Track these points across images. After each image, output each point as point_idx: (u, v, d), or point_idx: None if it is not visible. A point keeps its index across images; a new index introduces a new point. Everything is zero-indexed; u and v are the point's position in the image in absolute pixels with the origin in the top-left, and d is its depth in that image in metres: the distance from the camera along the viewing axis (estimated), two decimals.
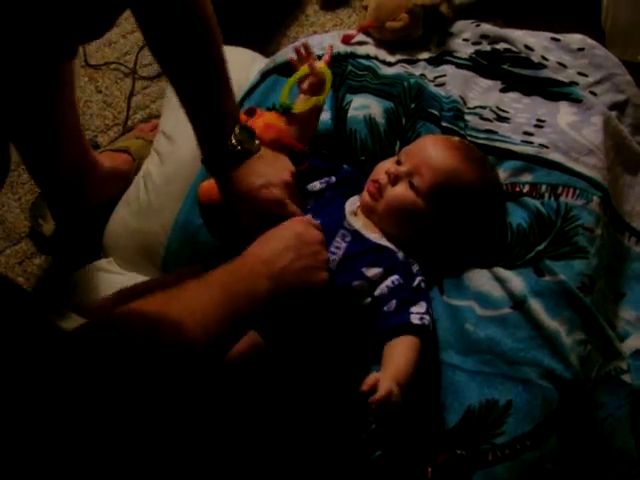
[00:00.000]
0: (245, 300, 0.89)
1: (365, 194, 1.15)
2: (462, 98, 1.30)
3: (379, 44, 1.40)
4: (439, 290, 1.16)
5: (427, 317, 1.06)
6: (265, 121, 1.11)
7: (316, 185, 1.19)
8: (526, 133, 1.24)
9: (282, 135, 1.11)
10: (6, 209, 1.45)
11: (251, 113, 1.13)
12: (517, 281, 1.12)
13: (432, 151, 1.14)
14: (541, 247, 1.15)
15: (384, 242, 1.13)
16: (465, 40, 1.40)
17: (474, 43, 1.39)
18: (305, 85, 1.19)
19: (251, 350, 1.03)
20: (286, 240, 1.00)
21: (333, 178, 1.20)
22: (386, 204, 1.12)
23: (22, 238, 1.43)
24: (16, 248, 1.42)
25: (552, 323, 1.09)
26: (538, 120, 1.25)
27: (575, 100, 1.26)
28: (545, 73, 1.30)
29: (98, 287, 1.17)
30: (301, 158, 1.16)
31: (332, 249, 1.10)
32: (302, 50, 1.19)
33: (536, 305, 1.10)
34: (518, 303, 1.11)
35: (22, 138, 1.13)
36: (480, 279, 1.14)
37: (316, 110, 1.19)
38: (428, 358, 1.08)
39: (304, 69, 1.17)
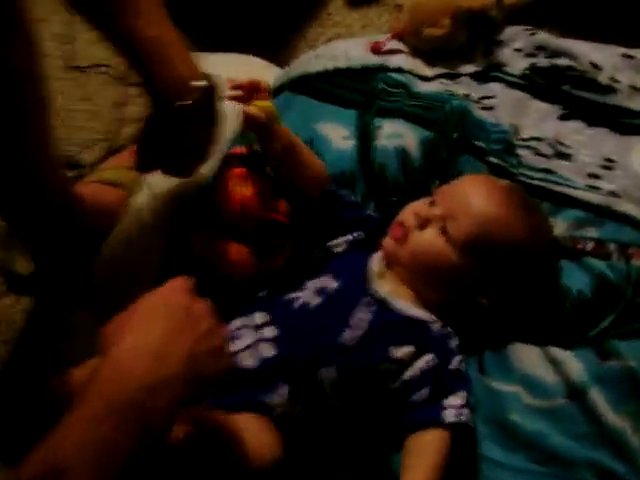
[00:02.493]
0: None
1: (388, 238, 0.96)
2: (514, 127, 1.08)
3: (415, 53, 1.17)
4: (478, 368, 0.97)
5: (465, 411, 0.87)
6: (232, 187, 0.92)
7: (340, 244, 0.99)
8: (592, 176, 1.03)
9: (247, 205, 0.92)
10: None
11: (228, 163, 0.93)
12: (575, 365, 0.93)
13: (473, 194, 0.94)
14: (606, 322, 0.94)
15: (415, 312, 0.93)
16: (517, 50, 1.17)
17: (528, 55, 1.16)
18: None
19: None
20: (166, 320, 0.68)
21: (362, 233, 1.00)
22: (411, 251, 0.93)
23: None
24: None
25: (616, 419, 0.91)
26: (606, 159, 1.04)
27: None
28: (615, 99, 1.07)
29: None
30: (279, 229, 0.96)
31: (353, 321, 0.90)
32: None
33: (597, 396, 0.91)
34: (575, 393, 0.92)
35: None
36: (529, 359, 0.95)
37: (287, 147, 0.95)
38: (463, 451, 0.90)
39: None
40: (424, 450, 0.86)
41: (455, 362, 0.91)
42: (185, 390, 0.66)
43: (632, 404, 0.91)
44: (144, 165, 0.97)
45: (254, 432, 0.85)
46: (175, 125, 0.87)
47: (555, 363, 0.93)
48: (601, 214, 1.00)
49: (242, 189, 0.94)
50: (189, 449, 0.79)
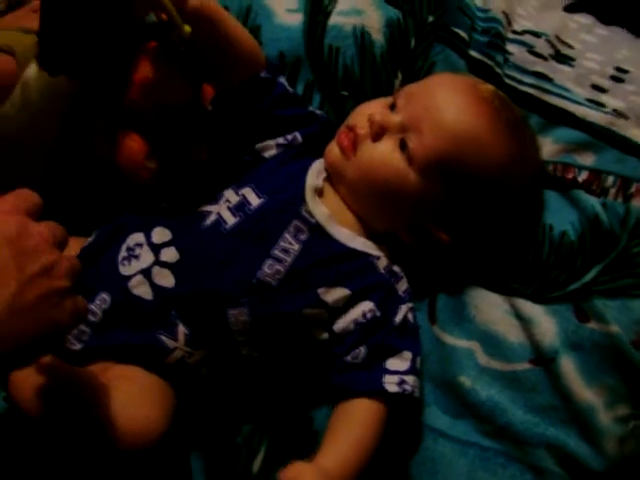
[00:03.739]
0: None
1: (333, 147, 0.75)
2: (506, 15, 0.85)
3: None
4: (428, 316, 0.79)
5: (410, 379, 0.70)
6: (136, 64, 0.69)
7: (270, 148, 0.76)
8: (596, 88, 0.82)
9: (147, 85, 0.69)
10: None
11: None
12: (547, 324, 0.77)
13: (445, 100, 0.72)
14: (590, 276, 0.76)
15: (359, 243, 0.73)
16: None
17: None
18: None
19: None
20: None
21: (298, 136, 0.77)
22: (360, 167, 0.73)
23: None
24: None
25: (587, 393, 0.76)
26: (618, 69, 0.83)
27: None
28: None
29: None
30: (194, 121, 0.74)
31: (276, 252, 0.70)
32: None
33: (569, 364, 0.76)
34: (543, 358, 0.76)
35: None
36: (492, 311, 0.78)
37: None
38: (402, 418, 0.74)
39: None
40: (353, 421, 0.69)
41: (401, 313, 0.72)
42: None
43: (609, 377, 0.76)
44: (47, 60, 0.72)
45: (133, 395, 0.66)
46: None
47: (522, 319, 0.77)
48: (601, 138, 0.80)
49: (147, 66, 0.71)
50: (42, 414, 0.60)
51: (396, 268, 0.75)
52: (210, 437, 0.77)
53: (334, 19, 0.83)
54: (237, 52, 0.71)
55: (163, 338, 0.70)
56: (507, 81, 0.83)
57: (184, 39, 0.65)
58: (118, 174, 0.75)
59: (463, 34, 0.84)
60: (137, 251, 0.73)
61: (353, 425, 0.68)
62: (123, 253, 0.73)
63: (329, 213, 0.73)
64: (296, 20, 0.83)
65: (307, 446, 0.75)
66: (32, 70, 0.83)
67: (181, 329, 0.70)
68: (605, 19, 0.86)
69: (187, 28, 0.64)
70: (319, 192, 0.74)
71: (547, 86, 0.82)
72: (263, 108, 0.74)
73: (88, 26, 0.64)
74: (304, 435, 0.76)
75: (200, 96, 0.76)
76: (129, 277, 0.71)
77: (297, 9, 0.83)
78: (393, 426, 0.71)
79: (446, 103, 0.72)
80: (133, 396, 0.66)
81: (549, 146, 0.81)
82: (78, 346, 0.70)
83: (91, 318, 0.70)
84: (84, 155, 0.78)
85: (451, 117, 0.71)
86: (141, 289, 0.71)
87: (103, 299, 0.71)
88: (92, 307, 0.70)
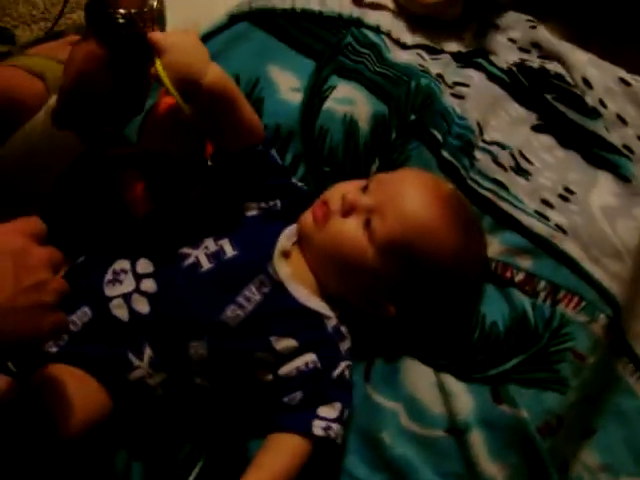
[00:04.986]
0: None
1: (308, 215, 0.85)
2: (479, 125, 0.97)
3: (399, 14, 1.04)
4: (364, 375, 0.89)
5: (336, 427, 0.80)
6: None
7: (252, 208, 0.87)
8: (545, 202, 0.93)
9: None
10: None
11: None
12: (465, 400, 0.86)
13: (409, 193, 0.83)
14: (510, 364, 0.87)
15: (312, 302, 0.83)
16: (511, 41, 1.06)
17: (521, 49, 1.05)
18: None
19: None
20: None
21: (279, 203, 0.88)
22: (326, 238, 0.83)
23: None
24: None
25: (491, 467, 0.85)
26: (565, 189, 0.94)
27: (622, 177, 0.95)
28: (596, 126, 0.97)
29: None
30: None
31: (239, 299, 0.80)
32: None
33: (479, 438, 0.85)
34: (457, 430, 0.85)
35: None
36: (420, 380, 0.87)
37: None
38: (326, 462, 0.83)
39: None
40: (280, 452, 0.78)
41: (340, 368, 0.82)
42: None
43: (512, 456, 0.85)
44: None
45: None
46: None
47: (445, 392, 0.86)
48: (541, 246, 0.91)
49: (156, 122, 0.83)
50: None
51: (343, 328, 0.84)
52: (153, 450, 0.86)
53: (329, 103, 0.94)
54: (240, 126, 0.82)
55: (130, 355, 0.79)
56: (469, 183, 0.94)
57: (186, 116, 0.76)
58: (118, 205, 0.86)
59: (439, 136, 0.95)
60: (122, 276, 0.83)
61: (278, 454, 0.78)
62: (109, 276, 0.83)
63: (291, 273, 0.83)
64: (296, 99, 0.94)
65: (238, 471, 0.84)
66: (53, 100, 0.94)
67: (147, 351, 0.80)
68: (564, 142, 0.98)
69: (187, 109, 0.75)
70: (287, 254, 0.84)
71: (503, 194, 0.93)
72: (253, 176, 0.85)
73: (108, 105, 0.76)
74: (237, 461, 0.85)
75: (203, 150, 0.88)
76: (111, 298, 0.81)
77: (299, 89, 0.95)
78: (315, 468, 0.80)
79: (409, 195, 0.83)
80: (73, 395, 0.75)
81: (495, 246, 0.91)
82: (54, 349, 0.80)
83: (71, 327, 0.80)
84: (91, 184, 0.89)
85: (411, 208, 0.82)
86: (119, 311, 0.80)
87: (85, 312, 0.81)
88: (73, 318, 0.80)
